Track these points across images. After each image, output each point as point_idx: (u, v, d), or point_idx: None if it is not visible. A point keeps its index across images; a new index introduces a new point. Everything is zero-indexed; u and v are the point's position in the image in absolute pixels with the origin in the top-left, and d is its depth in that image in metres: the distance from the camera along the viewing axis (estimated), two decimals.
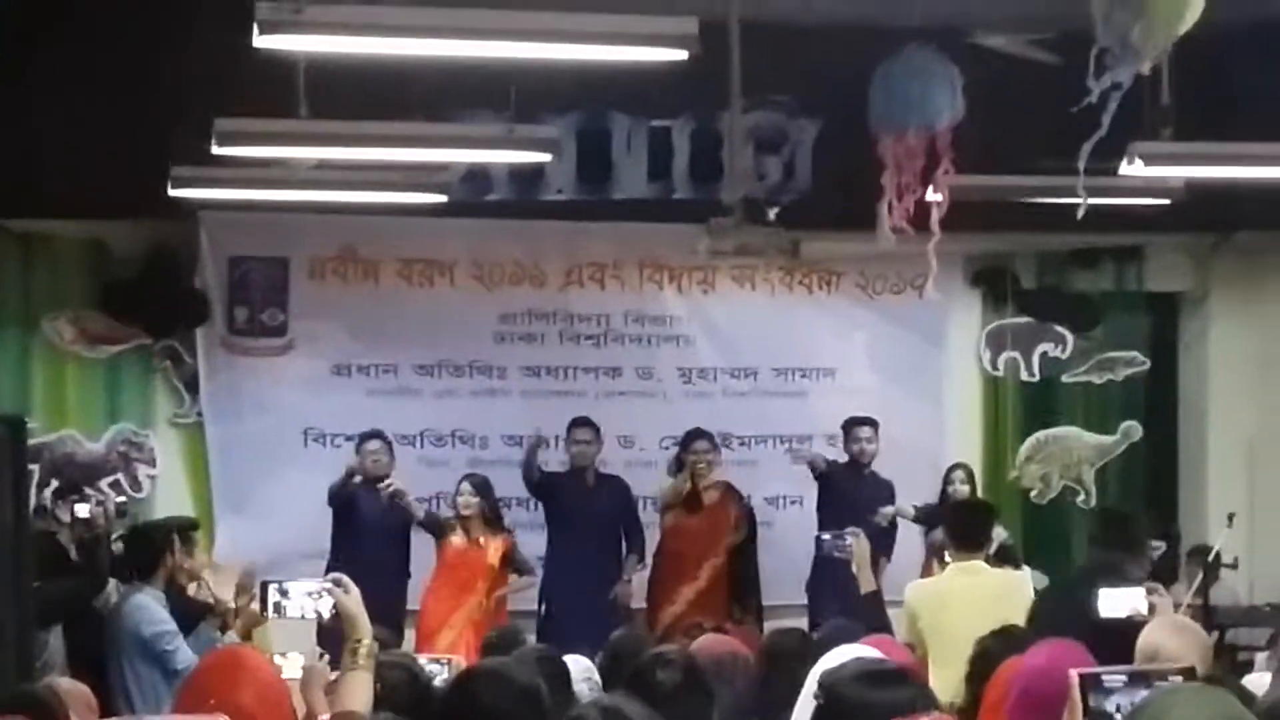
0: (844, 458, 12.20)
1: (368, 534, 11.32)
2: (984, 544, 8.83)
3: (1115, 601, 6.52)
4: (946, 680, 7.13)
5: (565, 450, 12.08)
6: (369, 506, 11.47)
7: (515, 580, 11.58)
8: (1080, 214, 8.95)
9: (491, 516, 11.51)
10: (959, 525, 9.04)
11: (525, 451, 11.86)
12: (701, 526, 11.99)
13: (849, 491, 11.91)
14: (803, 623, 10.97)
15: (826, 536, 10.45)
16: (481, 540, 11.45)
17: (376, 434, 11.69)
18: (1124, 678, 3.63)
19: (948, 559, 9.04)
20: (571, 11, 7.23)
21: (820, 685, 3.87)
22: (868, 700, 3.57)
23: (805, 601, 11.81)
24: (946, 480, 12.13)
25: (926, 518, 11.86)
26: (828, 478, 12.07)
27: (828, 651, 5.08)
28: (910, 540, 11.92)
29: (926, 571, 10.70)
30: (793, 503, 12.65)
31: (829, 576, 11.04)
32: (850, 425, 12.21)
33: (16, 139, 10.88)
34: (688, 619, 11.14)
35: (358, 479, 11.44)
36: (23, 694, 5.72)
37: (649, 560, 12.13)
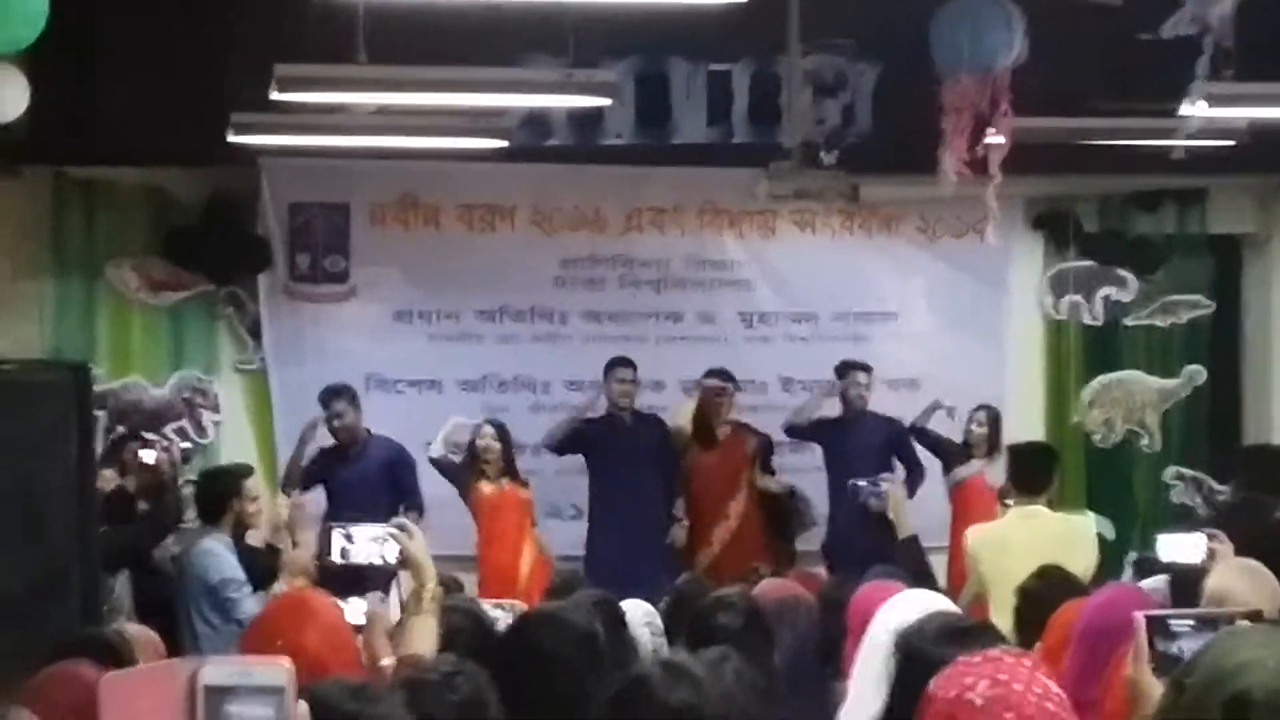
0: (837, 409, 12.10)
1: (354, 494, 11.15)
2: (1045, 487, 8.77)
3: (1176, 548, 6.48)
4: (1007, 625, 7.13)
5: (604, 392, 12.02)
6: (345, 470, 11.39)
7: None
8: (1177, 153, 8.89)
9: (508, 466, 11.48)
10: (1020, 468, 8.99)
11: (566, 427, 11.78)
12: (718, 463, 11.96)
13: (849, 441, 11.83)
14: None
15: (862, 483, 10.45)
16: (506, 485, 11.44)
17: (341, 391, 11.53)
18: (1191, 622, 3.60)
19: (1009, 503, 9.01)
20: None
21: (900, 644, 3.83)
22: (948, 659, 3.55)
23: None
24: (968, 420, 11.96)
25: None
26: (825, 433, 11.97)
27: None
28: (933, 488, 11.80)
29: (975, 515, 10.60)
30: None
31: (858, 525, 11.02)
32: (844, 369, 12.11)
33: (78, 87, 10.92)
34: (725, 561, 11.16)
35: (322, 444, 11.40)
36: (90, 638, 5.78)
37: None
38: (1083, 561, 8.06)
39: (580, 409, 11.92)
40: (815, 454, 12.18)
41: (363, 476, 11.24)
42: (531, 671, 4.38)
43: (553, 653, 4.41)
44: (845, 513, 11.36)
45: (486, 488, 11.42)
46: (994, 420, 11.87)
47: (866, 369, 12.12)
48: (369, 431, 11.53)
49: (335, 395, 11.49)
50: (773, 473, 12.15)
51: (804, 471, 12.27)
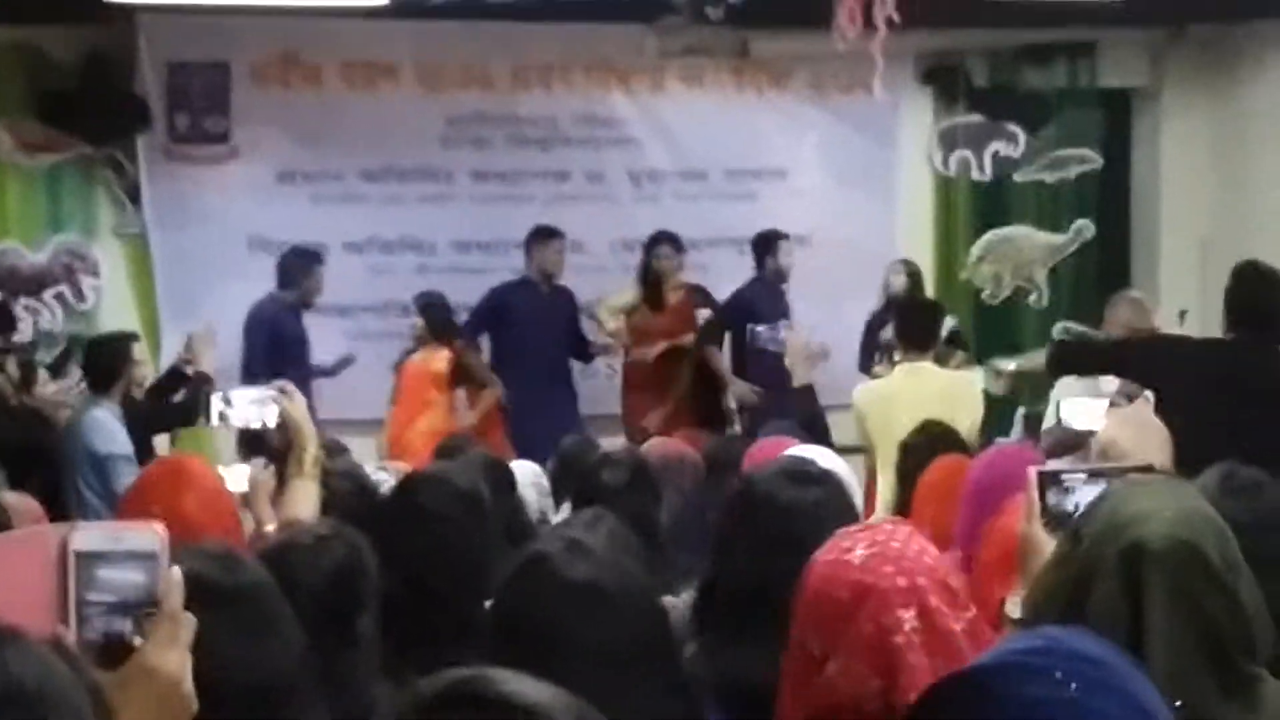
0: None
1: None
2: (932, 344, 8.75)
3: (1079, 413, 6.44)
4: (892, 481, 7.13)
5: (531, 259, 11.88)
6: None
7: (484, 394, 11.50)
8: None
9: (439, 330, 11.41)
10: (906, 325, 8.95)
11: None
12: (664, 325, 11.89)
13: (770, 310, 11.72)
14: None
15: (761, 329, 10.36)
16: (426, 355, 11.40)
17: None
18: (1083, 476, 3.56)
19: (896, 358, 8.98)
20: None
21: (741, 478, 3.87)
22: (779, 495, 3.54)
23: None
24: (888, 274, 11.93)
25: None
26: (747, 303, 11.86)
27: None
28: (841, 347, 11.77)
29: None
30: None
31: (759, 373, 11.00)
32: (773, 239, 11.99)
33: None
34: (666, 428, 11.10)
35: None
36: None
37: (616, 369, 12.10)
38: (968, 417, 8.08)
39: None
40: None
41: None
42: (414, 532, 4.33)
43: (434, 512, 4.37)
44: (749, 372, 11.32)
45: (413, 359, 11.42)
46: (912, 273, 11.82)
47: (786, 237, 11.98)
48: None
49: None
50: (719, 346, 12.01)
51: None
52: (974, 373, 9.70)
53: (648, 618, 3.07)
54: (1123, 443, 4.30)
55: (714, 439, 7.96)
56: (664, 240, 11.92)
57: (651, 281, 11.90)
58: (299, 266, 11.28)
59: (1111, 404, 6.27)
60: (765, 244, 11.91)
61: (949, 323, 11.71)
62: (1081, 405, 6.50)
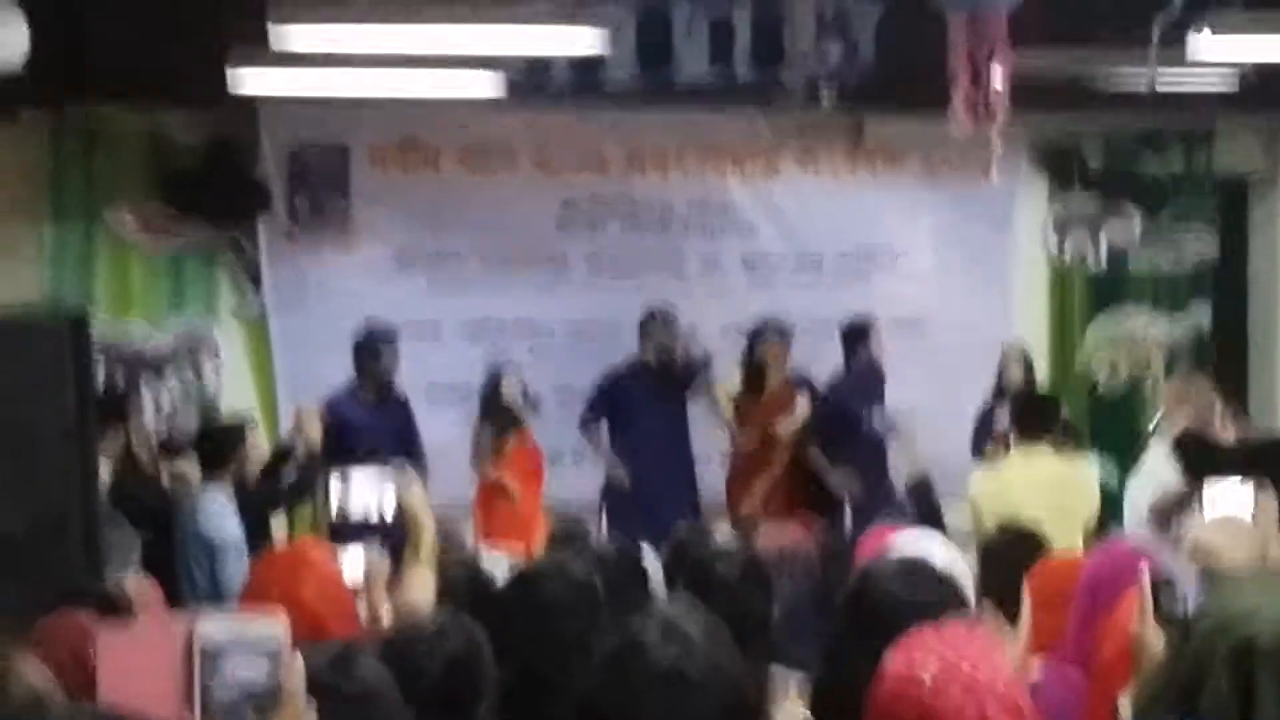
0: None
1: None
2: (1048, 434, 8.73)
3: (1223, 497, 6.35)
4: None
5: (643, 342, 11.95)
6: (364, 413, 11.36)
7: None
8: (1151, 86, 8.82)
9: (523, 413, 11.50)
10: (1024, 415, 8.96)
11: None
12: (764, 413, 11.91)
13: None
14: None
15: (872, 416, 10.33)
16: (518, 442, 11.44)
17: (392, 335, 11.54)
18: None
19: (1011, 446, 8.97)
20: None
21: (860, 570, 3.89)
22: (896, 596, 3.57)
23: None
24: (1005, 365, 11.91)
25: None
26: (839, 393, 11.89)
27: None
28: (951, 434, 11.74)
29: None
30: None
31: (869, 461, 10.99)
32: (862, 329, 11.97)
33: (75, 26, 10.84)
34: (767, 510, 11.10)
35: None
36: (89, 588, 5.77)
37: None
38: (1085, 504, 8.04)
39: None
40: None
41: (376, 423, 11.23)
42: (531, 624, 4.36)
43: (552, 605, 4.39)
44: (861, 456, 11.34)
45: (513, 441, 11.42)
46: (1024, 355, 11.82)
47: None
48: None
49: (389, 338, 11.45)
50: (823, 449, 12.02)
51: None
52: (1088, 458, 9.61)
53: (734, 710, 3.08)
54: (1217, 545, 4.29)
55: (824, 527, 7.96)
56: (770, 327, 11.95)
57: (755, 369, 11.92)
58: (364, 351, 11.34)
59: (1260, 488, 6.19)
60: (855, 333, 11.93)
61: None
62: (1226, 487, 6.40)
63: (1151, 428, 11.26)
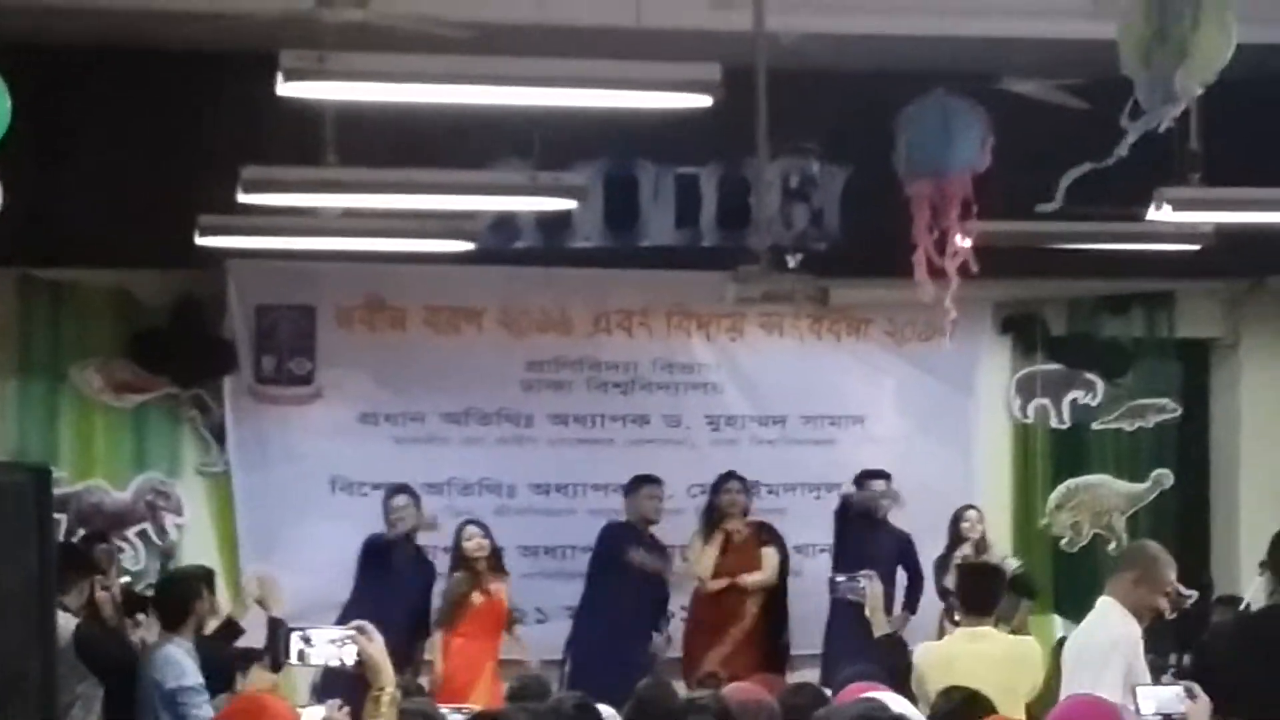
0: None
1: (392, 587, 11.24)
2: (993, 607, 8.77)
3: (1153, 700, 6.40)
4: None
5: (629, 506, 12.01)
6: (396, 560, 11.47)
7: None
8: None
9: (495, 560, 11.54)
10: (967, 589, 8.97)
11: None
12: (728, 563, 11.94)
13: (865, 544, 11.85)
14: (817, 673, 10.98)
15: (841, 578, 10.47)
16: (492, 587, 11.47)
17: (403, 488, 11.70)
18: None
19: (957, 619, 8.99)
20: (595, 58, 7.24)
21: None
22: None
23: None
24: (959, 520, 12.06)
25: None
26: (844, 528, 12.01)
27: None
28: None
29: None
30: (822, 551, 12.53)
31: (844, 621, 11.03)
32: (864, 478, 12.17)
33: (44, 189, 10.91)
34: (736, 660, 11.10)
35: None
36: None
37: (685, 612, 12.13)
38: (1029, 681, 8.07)
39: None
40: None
41: (399, 580, 11.38)
42: None
43: None
44: (837, 617, 11.39)
45: (477, 598, 11.45)
46: (982, 519, 12.00)
47: (885, 476, 12.12)
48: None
49: (398, 491, 11.65)
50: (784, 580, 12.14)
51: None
52: (1031, 639, 9.60)
53: None
54: None
55: (790, 686, 7.93)
56: (731, 478, 12.04)
57: (716, 519, 11.96)
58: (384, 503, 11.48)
59: (1189, 693, 6.23)
60: (856, 484, 12.21)
61: (1011, 564, 11.78)
62: (1157, 692, 6.48)
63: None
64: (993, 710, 6.06)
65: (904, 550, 12.05)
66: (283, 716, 4.82)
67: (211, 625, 9.33)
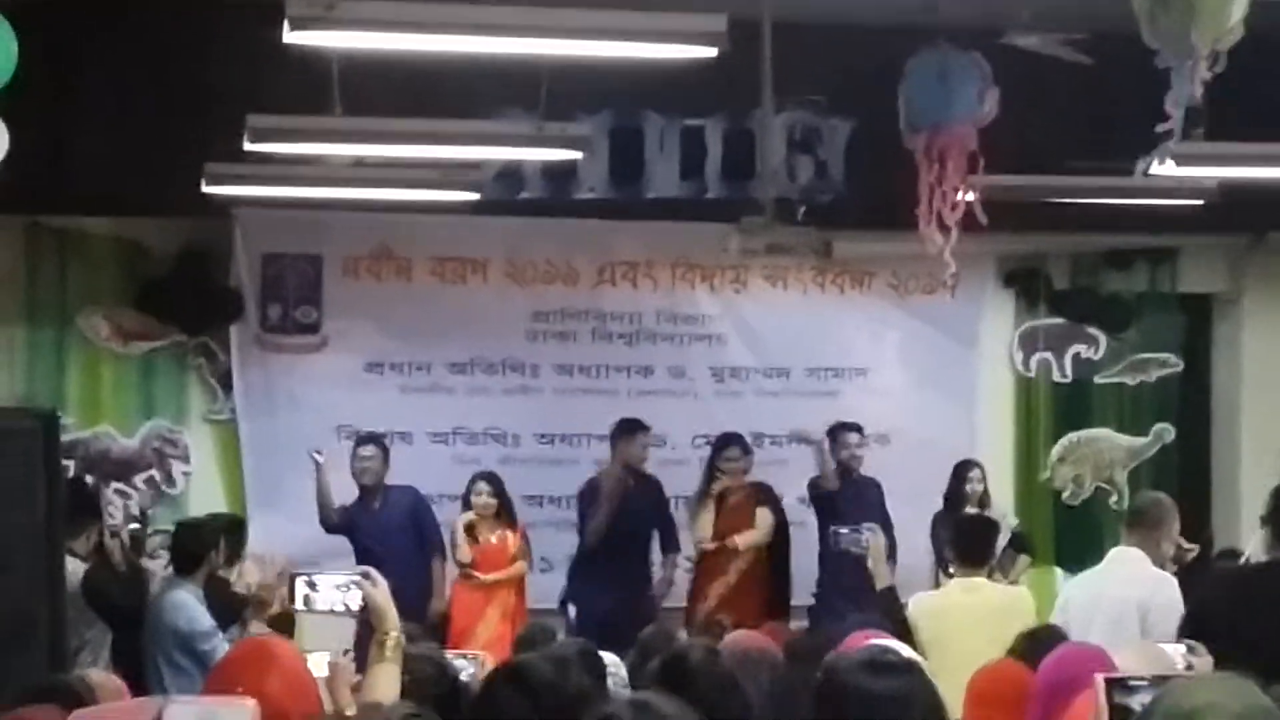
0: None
1: (380, 540, 11.25)
2: (987, 559, 8.85)
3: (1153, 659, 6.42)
4: (944, 693, 7.14)
5: (618, 451, 12.05)
6: (371, 517, 11.51)
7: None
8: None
9: (505, 511, 11.60)
10: (962, 541, 9.04)
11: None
12: (723, 525, 11.99)
13: (845, 500, 11.88)
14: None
15: (843, 531, 10.51)
16: (496, 537, 11.54)
17: (372, 438, 11.72)
18: (1149, 679, 3.62)
19: (951, 571, 9.06)
20: (601, 9, 7.26)
21: (823, 667, 3.90)
22: (865, 686, 3.59)
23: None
24: (962, 479, 12.11)
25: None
26: (822, 493, 12.05)
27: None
28: (919, 546, 11.88)
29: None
30: None
31: (838, 573, 11.09)
32: (838, 430, 12.18)
33: (51, 137, 10.93)
34: (717, 615, 11.17)
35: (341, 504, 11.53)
36: (53, 684, 5.79)
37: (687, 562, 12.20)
38: (1020, 631, 8.12)
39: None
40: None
41: (387, 525, 11.40)
42: None
43: (519, 707, 4.41)
44: (829, 570, 11.44)
45: (475, 547, 11.51)
46: (984, 476, 12.04)
47: (859, 429, 12.18)
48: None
49: (366, 441, 11.66)
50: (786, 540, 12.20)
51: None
52: (1024, 589, 9.66)
53: None
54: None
55: (801, 630, 8.02)
56: (732, 443, 12.05)
57: (713, 480, 12.00)
58: (350, 458, 11.54)
59: (1190, 651, 6.25)
60: (830, 435, 12.13)
61: (1011, 521, 11.85)
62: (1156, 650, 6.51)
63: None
64: None
65: (878, 501, 12.04)
66: (289, 658, 4.87)
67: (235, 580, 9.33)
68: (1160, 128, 8.01)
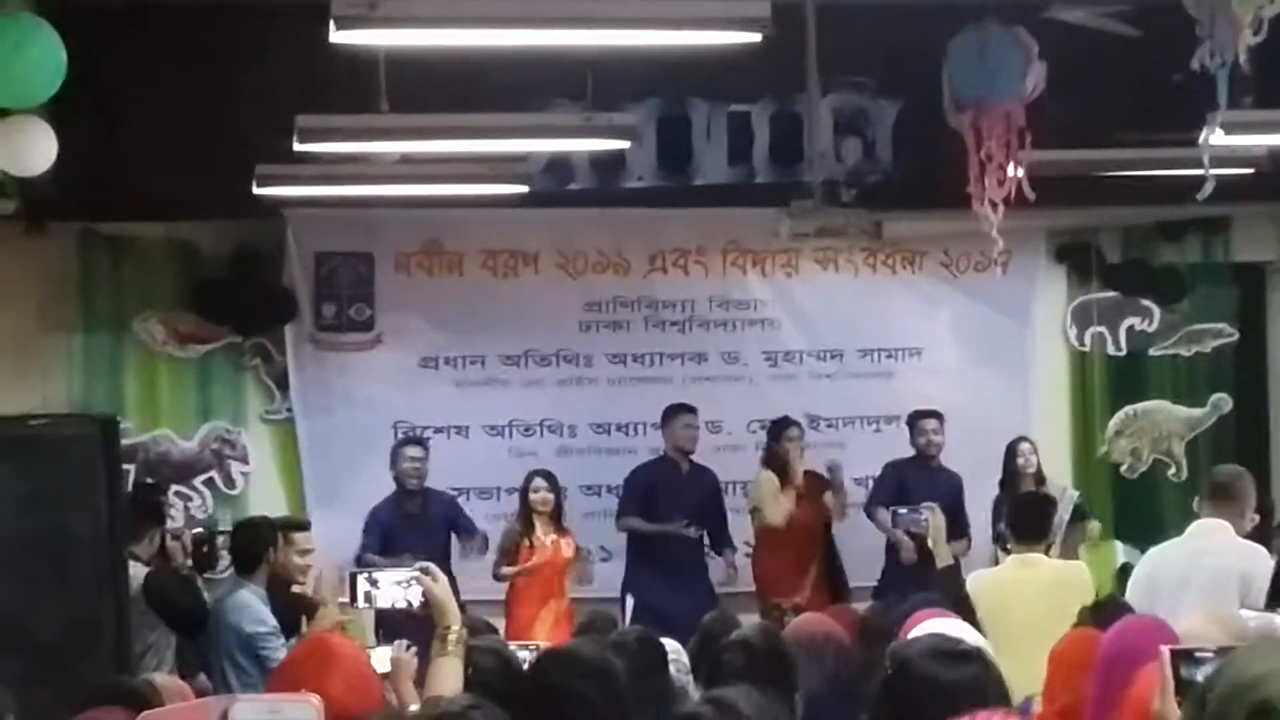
0: (910, 452, 12.24)
1: (409, 542, 11.28)
2: (1044, 536, 8.85)
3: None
4: (1004, 670, 7.14)
5: (665, 437, 12.09)
6: (407, 517, 11.58)
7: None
8: (1205, 192, 8.97)
9: (557, 513, 11.68)
10: (1019, 518, 9.05)
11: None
12: (800, 513, 12.03)
13: (917, 485, 11.91)
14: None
15: (903, 511, 10.57)
16: (551, 540, 11.57)
17: (415, 439, 11.77)
18: (1214, 650, 3.62)
19: (1009, 548, 9.07)
20: None
21: (891, 656, 3.91)
22: (935, 676, 3.60)
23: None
24: (1014, 454, 12.09)
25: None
26: (896, 475, 12.08)
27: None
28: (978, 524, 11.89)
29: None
30: None
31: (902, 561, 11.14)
32: (916, 418, 12.21)
33: (104, 143, 11.01)
34: (776, 600, 11.20)
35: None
36: (118, 686, 5.83)
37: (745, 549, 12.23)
38: (1078, 603, 8.08)
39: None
40: None
41: (428, 526, 11.53)
42: (547, 709, 4.40)
43: (566, 689, 4.44)
44: (894, 550, 11.49)
45: (531, 543, 11.58)
46: (1035, 450, 12.02)
47: (938, 416, 12.19)
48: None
49: (412, 442, 11.79)
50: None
51: None
52: (1081, 563, 9.65)
53: None
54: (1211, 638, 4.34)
55: (871, 608, 8.04)
56: (788, 424, 12.09)
57: (777, 463, 12.02)
58: (393, 453, 11.61)
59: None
60: (909, 424, 12.26)
61: (1072, 494, 11.83)
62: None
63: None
64: None
65: (958, 495, 12.05)
66: (352, 657, 4.90)
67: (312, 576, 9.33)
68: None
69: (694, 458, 12.20)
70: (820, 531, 12.18)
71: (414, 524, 11.53)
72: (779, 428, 12.14)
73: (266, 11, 10.72)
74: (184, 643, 9.57)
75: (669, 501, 11.88)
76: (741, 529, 12.19)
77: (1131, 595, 7.77)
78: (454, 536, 11.60)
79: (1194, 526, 8.30)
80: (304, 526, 9.60)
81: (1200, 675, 3.67)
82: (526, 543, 11.60)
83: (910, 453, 12.24)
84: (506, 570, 11.61)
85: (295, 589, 9.26)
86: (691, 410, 12.08)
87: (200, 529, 10.92)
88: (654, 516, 11.90)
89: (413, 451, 11.72)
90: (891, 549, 11.77)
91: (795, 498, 12.03)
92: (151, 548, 9.96)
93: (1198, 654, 3.71)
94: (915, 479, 12.04)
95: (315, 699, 2.62)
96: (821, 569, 12.11)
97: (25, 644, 7.60)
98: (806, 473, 12.13)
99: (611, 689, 4.49)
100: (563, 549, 11.68)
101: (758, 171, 12.57)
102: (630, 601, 11.66)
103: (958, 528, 11.60)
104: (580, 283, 12.77)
